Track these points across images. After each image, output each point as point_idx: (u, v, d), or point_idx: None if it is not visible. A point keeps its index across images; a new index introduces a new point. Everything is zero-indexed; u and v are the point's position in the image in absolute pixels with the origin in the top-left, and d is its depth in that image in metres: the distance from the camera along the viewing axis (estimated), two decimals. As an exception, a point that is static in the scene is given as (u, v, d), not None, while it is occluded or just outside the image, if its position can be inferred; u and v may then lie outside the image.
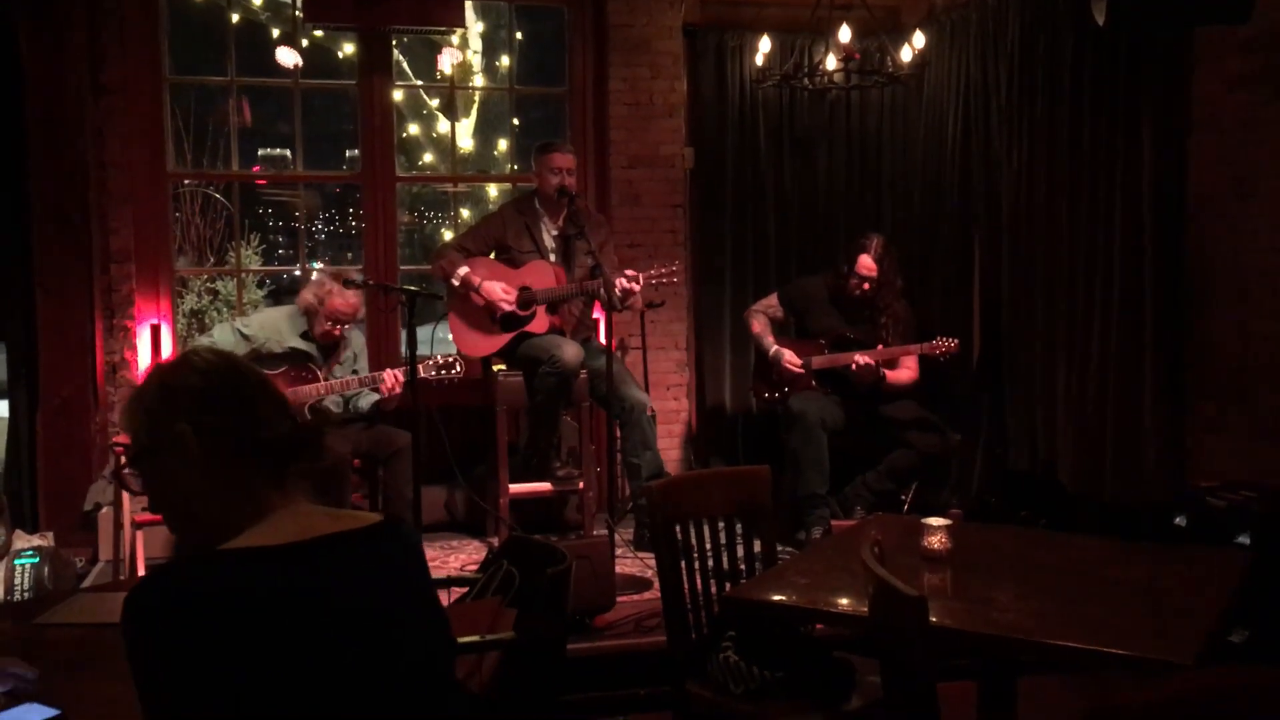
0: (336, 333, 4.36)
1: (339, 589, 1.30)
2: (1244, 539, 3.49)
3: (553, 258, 4.66)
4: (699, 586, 2.69)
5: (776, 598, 2.28)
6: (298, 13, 5.21)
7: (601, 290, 4.19)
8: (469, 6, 5.51)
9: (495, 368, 4.66)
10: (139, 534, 4.03)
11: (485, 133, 7.41)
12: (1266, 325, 4.04)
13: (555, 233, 4.69)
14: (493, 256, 4.70)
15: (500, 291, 4.50)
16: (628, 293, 4.31)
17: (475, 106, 7.32)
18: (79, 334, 4.65)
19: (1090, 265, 4.48)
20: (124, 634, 1.21)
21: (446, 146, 6.74)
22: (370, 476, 4.52)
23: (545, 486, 4.66)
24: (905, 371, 4.70)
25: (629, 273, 4.35)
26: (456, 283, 4.55)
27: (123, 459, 1.45)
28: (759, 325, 4.87)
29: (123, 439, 1.45)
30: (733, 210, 5.48)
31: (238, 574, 1.25)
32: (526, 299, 4.54)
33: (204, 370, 1.39)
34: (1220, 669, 1.03)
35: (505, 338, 4.57)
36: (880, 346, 4.65)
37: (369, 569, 1.35)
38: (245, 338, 4.31)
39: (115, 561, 4.09)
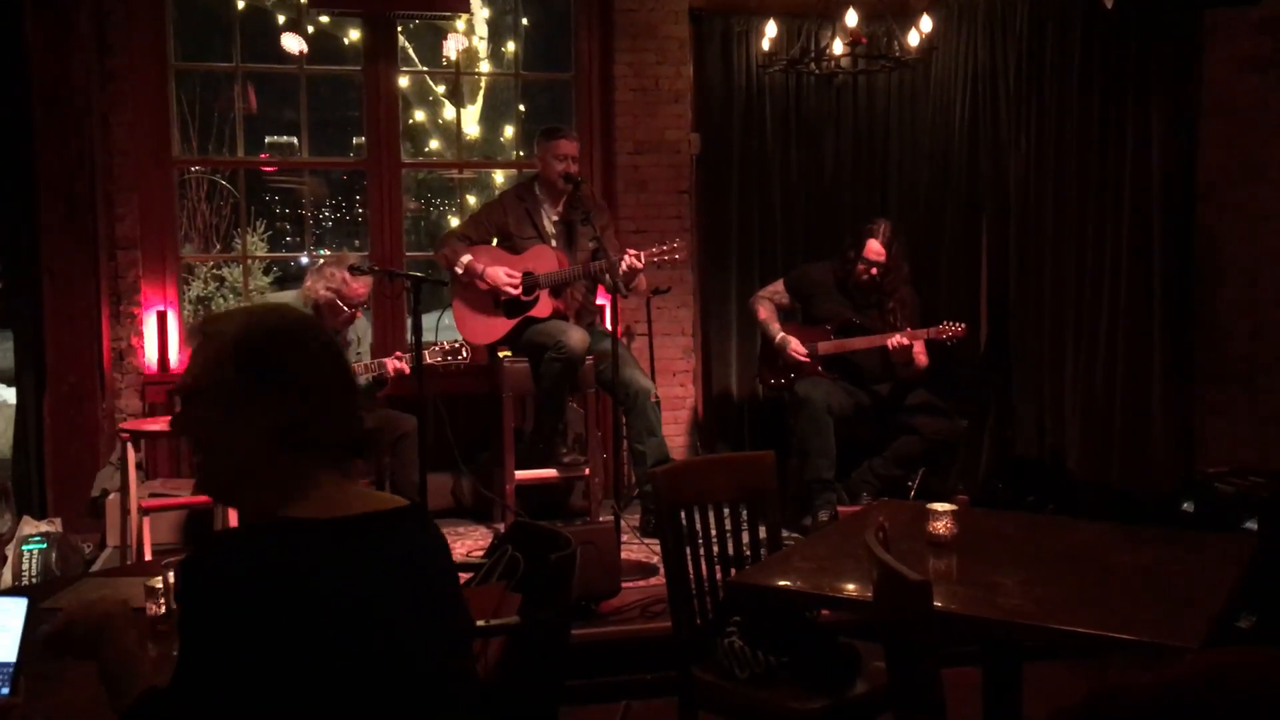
0: (358, 316, 4.47)
1: (379, 568, 1.31)
2: (1251, 524, 3.48)
3: (554, 243, 4.65)
4: (704, 572, 2.69)
5: (782, 583, 2.27)
6: (302, -2, 5.20)
7: (605, 273, 4.17)
8: (474, -9, 5.49)
9: (501, 354, 4.66)
10: (146, 520, 4.05)
11: (491, 119, 7.39)
12: (1275, 310, 4.02)
13: (556, 218, 4.68)
14: (495, 244, 4.70)
15: (504, 276, 4.50)
16: (632, 272, 4.28)
17: (481, 92, 7.31)
18: (86, 320, 4.66)
19: (1098, 250, 4.45)
20: (181, 599, 1.21)
21: (452, 132, 6.73)
22: (375, 460, 4.53)
23: (551, 473, 4.66)
24: (920, 357, 4.68)
25: (631, 251, 4.33)
26: (460, 270, 4.55)
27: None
28: (765, 311, 4.86)
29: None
30: (739, 196, 5.45)
31: (299, 545, 1.26)
32: (529, 283, 4.54)
33: (301, 344, 1.37)
34: (1224, 650, 1.02)
35: (509, 323, 4.57)
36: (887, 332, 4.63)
37: (403, 551, 1.37)
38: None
39: (123, 547, 4.11)
